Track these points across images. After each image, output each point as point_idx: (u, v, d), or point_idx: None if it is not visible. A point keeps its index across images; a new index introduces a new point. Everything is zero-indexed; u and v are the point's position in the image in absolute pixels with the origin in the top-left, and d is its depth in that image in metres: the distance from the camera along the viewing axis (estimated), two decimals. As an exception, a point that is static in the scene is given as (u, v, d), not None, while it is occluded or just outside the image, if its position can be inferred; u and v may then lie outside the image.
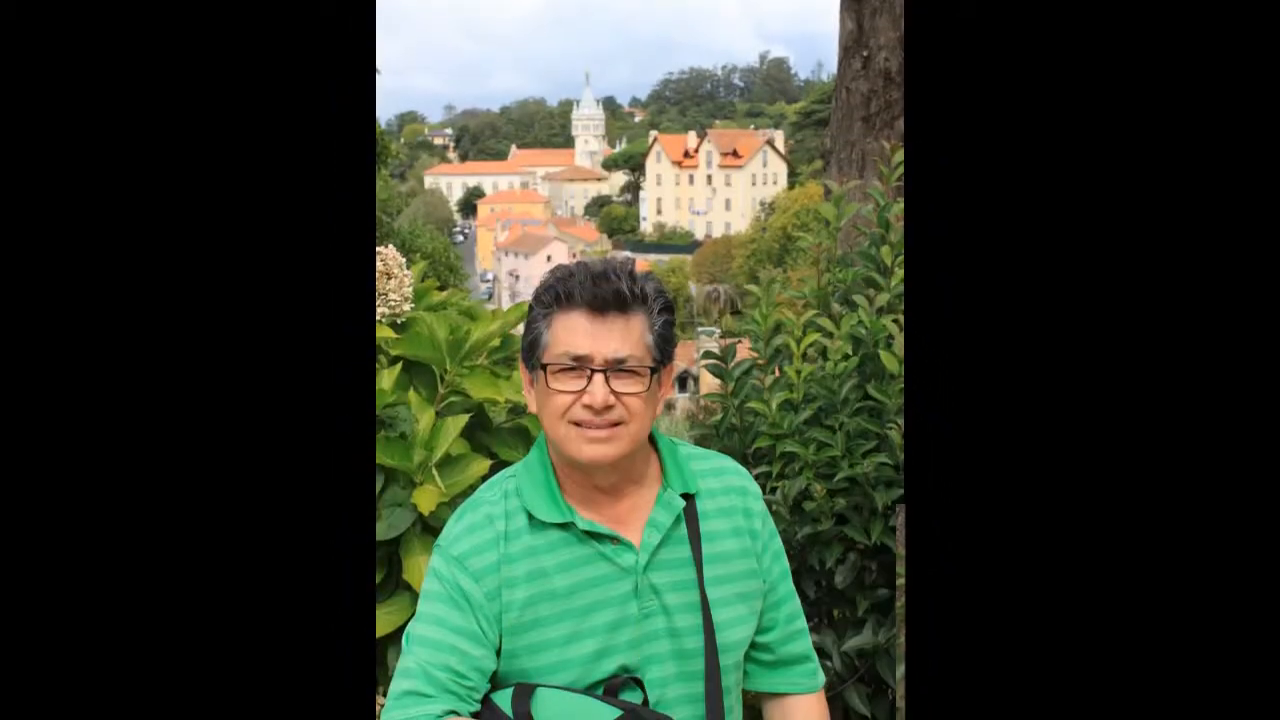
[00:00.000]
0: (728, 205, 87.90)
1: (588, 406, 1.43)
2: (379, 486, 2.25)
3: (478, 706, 1.44)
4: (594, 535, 1.49)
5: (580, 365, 1.43)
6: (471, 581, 1.46)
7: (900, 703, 2.19)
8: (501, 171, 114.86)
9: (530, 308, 1.51)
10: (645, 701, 1.47)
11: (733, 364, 2.71)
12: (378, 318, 2.50)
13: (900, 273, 2.66)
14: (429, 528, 2.24)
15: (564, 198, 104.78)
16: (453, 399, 2.47)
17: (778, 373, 2.69)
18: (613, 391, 1.43)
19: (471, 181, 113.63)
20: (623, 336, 1.44)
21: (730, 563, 1.55)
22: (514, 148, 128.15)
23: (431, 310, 2.66)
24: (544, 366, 1.46)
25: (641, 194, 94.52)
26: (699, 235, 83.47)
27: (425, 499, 2.19)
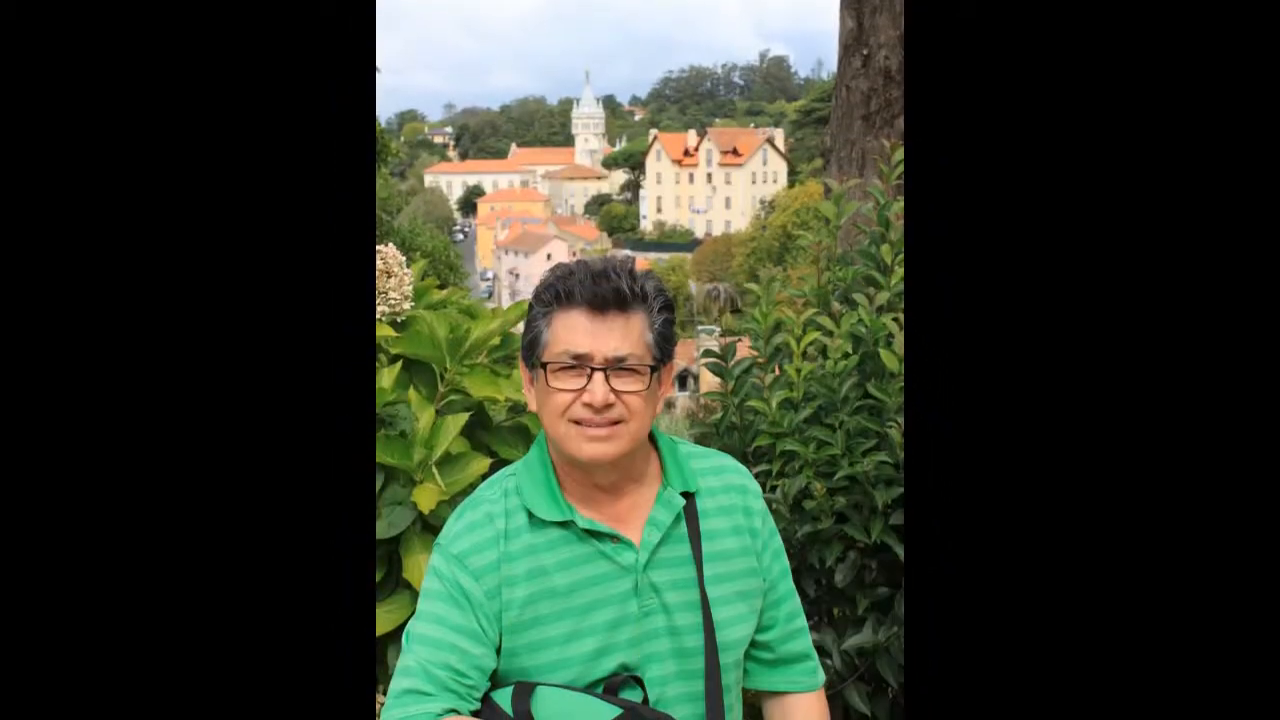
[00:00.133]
0: (728, 204, 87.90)
1: (588, 405, 1.43)
2: (379, 485, 2.25)
3: (478, 705, 1.44)
4: (594, 534, 1.49)
5: (580, 364, 1.43)
6: (471, 580, 1.46)
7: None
8: (501, 170, 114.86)
9: (530, 306, 1.51)
10: (645, 700, 1.47)
11: (733, 362, 2.71)
12: (378, 316, 2.50)
13: (900, 271, 2.66)
14: (429, 526, 2.24)
15: (564, 196, 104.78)
16: (453, 397, 2.47)
17: (778, 371, 2.69)
18: (613, 390, 1.43)
19: (471, 180, 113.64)
20: (623, 335, 1.44)
21: (730, 561, 1.55)
22: (514, 146, 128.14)
23: (431, 309, 2.65)
24: (544, 365, 1.46)
25: (641, 192, 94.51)
26: (699, 234, 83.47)
27: (425, 497, 2.19)
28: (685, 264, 64.17)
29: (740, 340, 2.78)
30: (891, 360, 2.46)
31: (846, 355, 2.56)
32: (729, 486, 1.60)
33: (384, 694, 1.54)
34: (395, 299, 2.53)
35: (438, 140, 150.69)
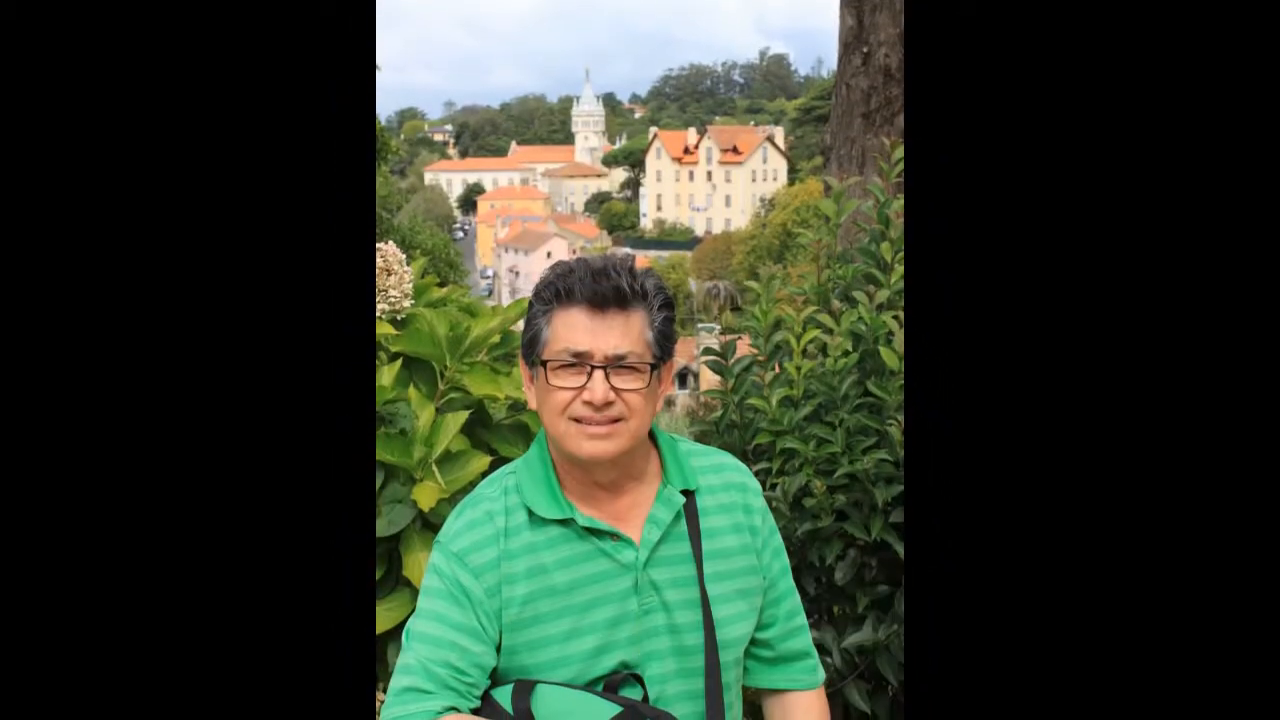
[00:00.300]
0: (728, 201, 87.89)
1: (588, 403, 1.43)
2: (379, 483, 2.25)
3: (478, 703, 1.44)
4: (594, 531, 1.49)
5: (580, 361, 1.43)
6: (471, 578, 1.46)
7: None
8: (501, 168, 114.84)
9: (530, 304, 1.51)
10: (645, 698, 1.47)
11: (733, 360, 2.71)
12: (378, 314, 2.50)
13: (900, 269, 2.66)
14: (429, 524, 2.24)
15: (564, 194, 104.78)
16: (453, 395, 2.47)
17: (778, 369, 2.69)
18: (613, 388, 1.43)
19: (471, 178, 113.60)
20: (623, 333, 1.44)
21: (730, 559, 1.55)
22: (514, 144, 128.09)
23: (431, 307, 2.65)
24: (544, 363, 1.46)
25: (641, 190, 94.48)
26: (699, 232, 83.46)
27: (425, 495, 2.19)
28: (685, 262, 64.20)
29: (740, 338, 2.78)
30: (891, 358, 2.46)
31: (846, 353, 2.56)
32: (729, 484, 1.60)
33: (384, 692, 1.54)
34: (395, 297, 2.53)
35: (438, 138, 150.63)
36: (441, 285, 2.94)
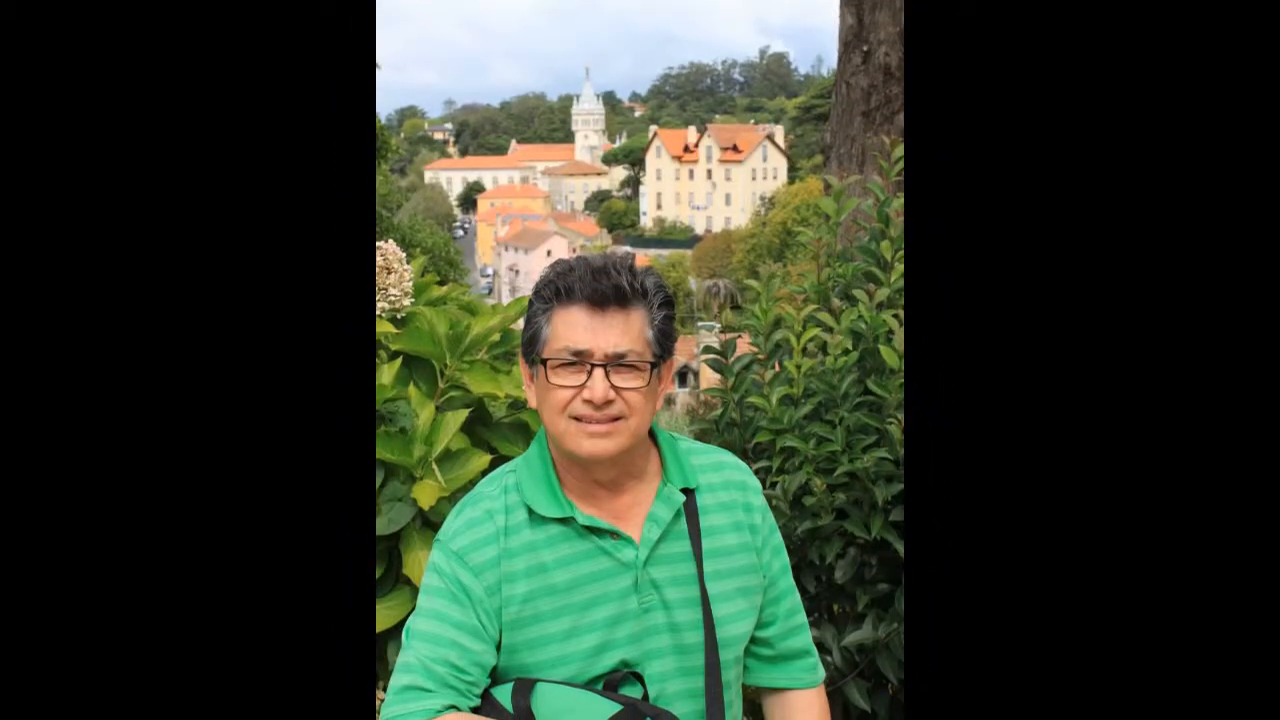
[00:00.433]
0: (728, 200, 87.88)
1: (588, 401, 1.43)
2: (379, 481, 2.25)
3: (478, 701, 1.44)
4: (594, 530, 1.49)
5: (580, 360, 1.43)
6: (471, 576, 1.46)
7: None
8: (501, 166, 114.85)
9: (530, 303, 1.51)
10: (645, 696, 1.47)
11: (733, 359, 2.71)
12: (378, 313, 2.50)
13: (900, 267, 2.66)
14: (429, 523, 2.24)
15: (564, 192, 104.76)
16: (453, 394, 2.46)
17: (778, 368, 2.69)
18: (613, 386, 1.43)
19: (471, 176, 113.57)
20: (623, 331, 1.44)
21: (730, 557, 1.55)
22: (514, 142, 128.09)
23: (431, 305, 2.65)
24: (544, 361, 1.46)
25: (641, 189, 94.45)
26: (699, 230, 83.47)
27: (425, 494, 2.19)
28: (685, 260, 64.22)
29: (740, 337, 2.78)
30: (891, 357, 2.46)
31: (846, 351, 2.56)
32: (729, 483, 1.60)
33: (384, 690, 1.54)
34: (395, 295, 2.53)
35: (438, 136, 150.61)
36: (441, 284, 2.93)
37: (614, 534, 1.49)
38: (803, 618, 1.67)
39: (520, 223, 79.64)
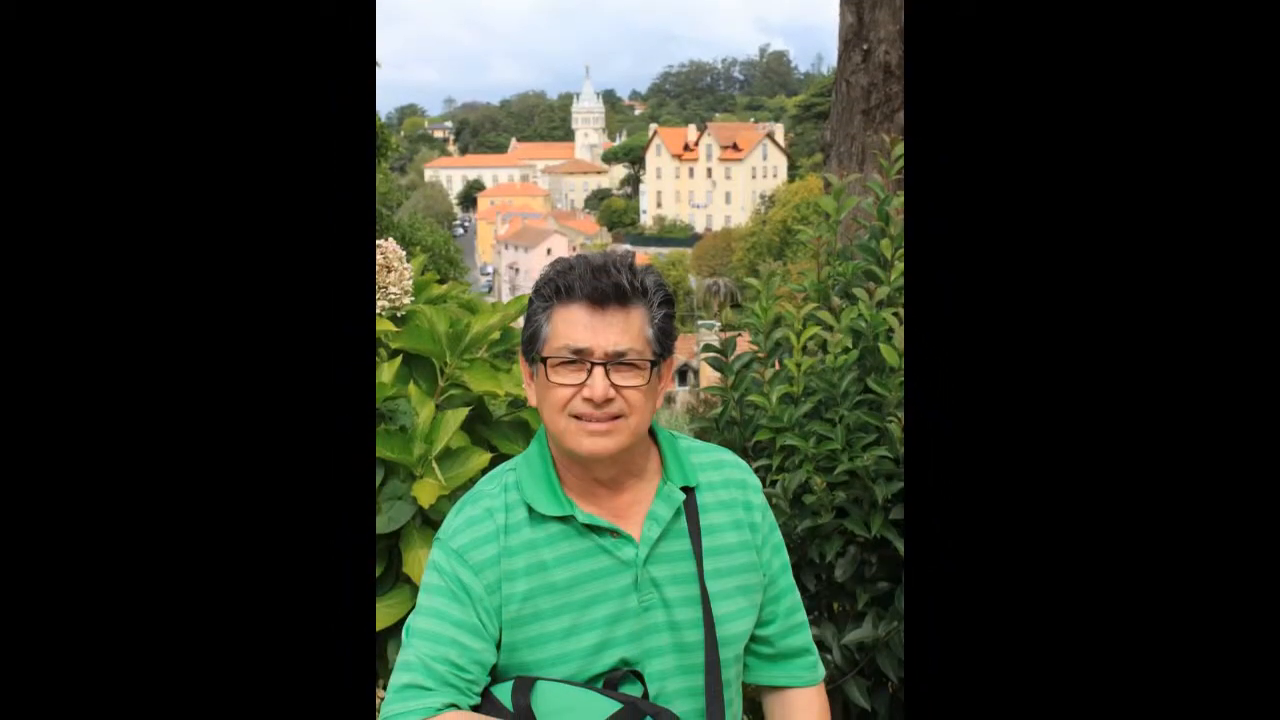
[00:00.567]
0: (728, 198, 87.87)
1: (588, 400, 1.43)
2: (379, 480, 2.25)
3: (478, 699, 1.44)
4: (594, 528, 1.49)
5: (580, 358, 1.43)
6: (471, 575, 1.46)
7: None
8: (501, 164, 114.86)
9: (530, 301, 1.51)
10: (645, 694, 1.47)
11: (733, 357, 2.71)
12: (378, 311, 2.50)
13: (900, 266, 2.66)
14: (429, 521, 2.24)
15: (564, 191, 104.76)
16: (453, 392, 2.46)
17: (778, 366, 2.69)
18: (613, 385, 1.43)
19: (471, 174, 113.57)
20: (623, 330, 1.44)
21: (730, 556, 1.55)
22: (514, 141, 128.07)
23: (431, 303, 2.65)
24: (544, 360, 1.46)
25: (641, 187, 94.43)
26: (699, 228, 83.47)
27: (425, 492, 2.19)
28: (685, 259, 64.23)
29: (740, 335, 2.78)
30: (891, 355, 2.46)
31: (846, 350, 2.56)
32: (729, 481, 1.60)
33: (384, 689, 1.54)
34: (395, 294, 2.53)
35: (437, 135, 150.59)
36: (441, 282, 2.93)
37: (614, 532, 1.49)
38: (803, 616, 1.67)
39: (520, 221, 79.63)
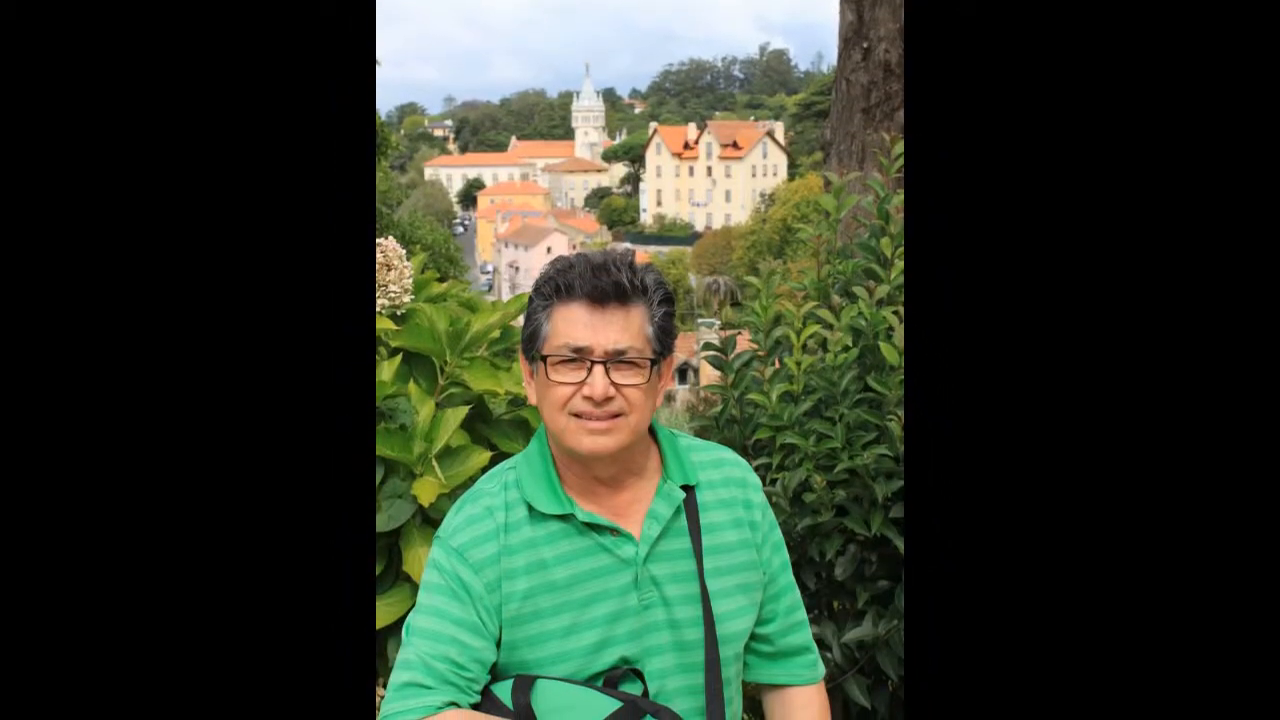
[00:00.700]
0: (728, 197, 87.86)
1: (588, 398, 1.43)
2: (379, 478, 2.25)
3: (477, 698, 1.44)
4: (594, 527, 1.49)
5: (580, 357, 1.43)
6: (471, 573, 1.46)
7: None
8: (501, 163, 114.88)
9: (530, 299, 1.51)
10: (645, 693, 1.48)
11: (733, 355, 2.71)
12: (378, 309, 2.50)
13: (900, 264, 2.66)
14: (429, 519, 2.24)
15: (564, 189, 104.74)
16: (453, 390, 2.46)
17: (778, 364, 2.69)
18: (613, 383, 1.43)
19: (471, 173, 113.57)
20: (623, 328, 1.44)
21: (730, 554, 1.56)
22: (514, 139, 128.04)
23: (431, 302, 2.65)
24: (544, 358, 1.46)
25: (641, 185, 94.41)
26: (699, 227, 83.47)
27: (425, 491, 2.19)
28: (685, 257, 64.26)
29: (740, 333, 2.78)
30: (891, 353, 2.46)
31: (846, 348, 2.56)
32: (729, 479, 1.60)
33: (384, 687, 1.54)
34: (395, 292, 2.53)
35: (437, 133, 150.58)
36: (441, 280, 2.93)
37: (614, 531, 1.49)
38: (803, 614, 1.68)
39: (520, 219, 79.64)
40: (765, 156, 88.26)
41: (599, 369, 1.43)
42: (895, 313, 2.55)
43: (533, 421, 2.51)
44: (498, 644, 1.47)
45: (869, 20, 4.33)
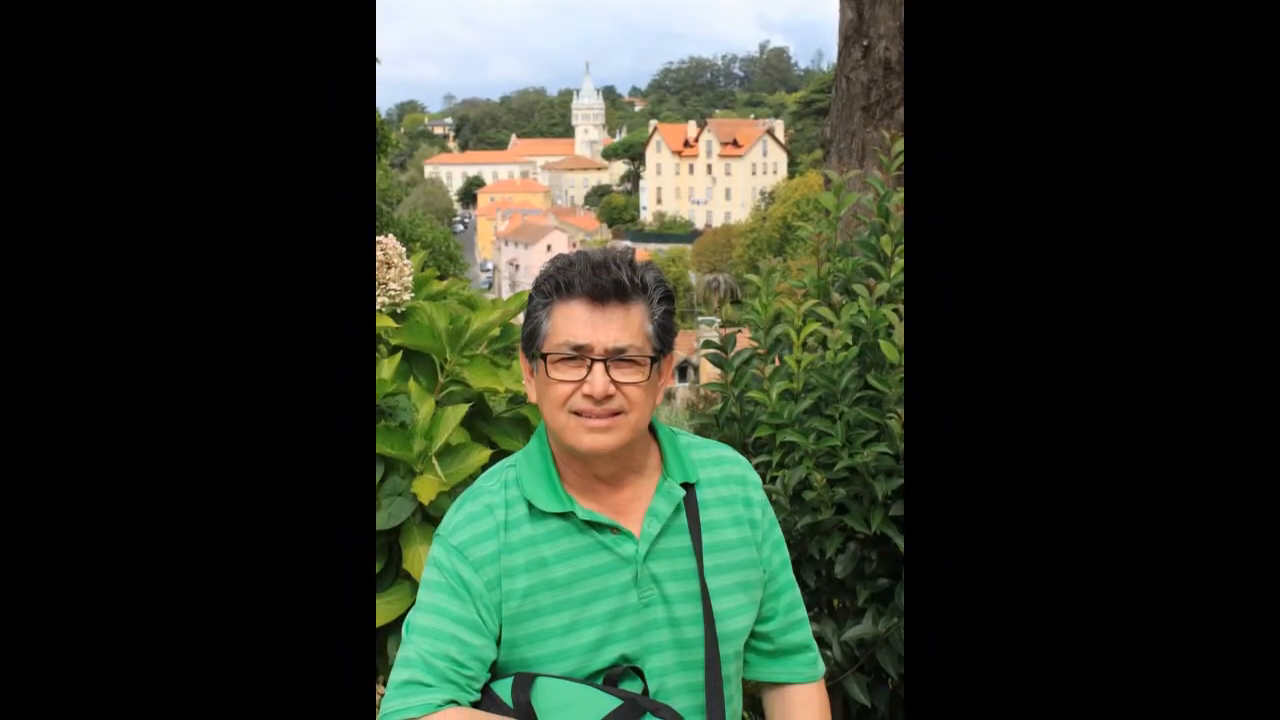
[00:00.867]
0: (728, 195, 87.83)
1: (588, 396, 1.43)
2: (379, 476, 2.25)
3: (478, 696, 1.44)
4: (594, 525, 1.49)
5: (580, 355, 1.43)
6: (471, 571, 1.46)
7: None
8: (501, 161, 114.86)
9: (530, 297, 1.51)
10: (645, 691, 1.48)
11: (733, 353, 2.71)
12: (378, 307, 2.50)
13: (900, 262, 2.66)
14: (429, 517, 2.25)
15: (564, 187, 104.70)
16: (453, 388, 2.46)
17: (778, 362, 2.69)
18: (613, 381, 1.43)
19: (471, 171, 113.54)
20: (623, 326, 1.44)
21: (730, 552, 1.56)
22: (514, 137, 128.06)
23: (431, 300, 2.65)
24: (544, 356, 1.46)
25: (641, 183, 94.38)
26: (699, 225, 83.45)
27: (425, 488, 2.19)
28: (685, 255, 64.24)
29: (740, 331, 2.78)
30: (891, 351, 2.46)
31: (846, 346, 2.55)
32: (729, 477, 1.60)
33: (384, 685, 1.54)
34: (395, 290, 2.53)
35: (438, 131, 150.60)
36: (441, 278, 2.93)
37: (614, 529, 1.49)
38: (803, 612, 1.68)
39: (520, 217, 79.59)
40: (765, 154, 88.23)
41: (599, 367, 1.43)
42: (895, 310, 2.55)
43: (533, 419, 2.51)
44: (498, 642, 1.47)
45: (869, 18, 4.32)
